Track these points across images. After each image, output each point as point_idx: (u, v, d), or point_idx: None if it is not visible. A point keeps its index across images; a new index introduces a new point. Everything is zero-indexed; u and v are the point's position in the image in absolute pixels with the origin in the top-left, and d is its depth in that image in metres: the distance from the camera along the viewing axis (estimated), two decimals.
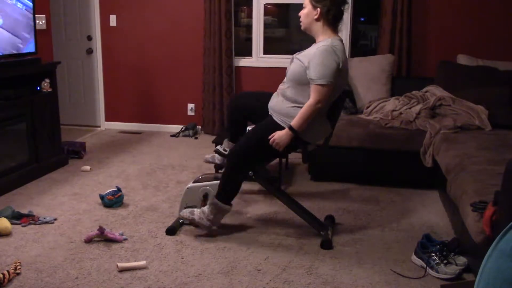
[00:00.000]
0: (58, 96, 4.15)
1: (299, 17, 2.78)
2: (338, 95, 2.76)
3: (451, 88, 4.08)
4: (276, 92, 2.85)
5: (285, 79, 2.81)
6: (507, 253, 0.83)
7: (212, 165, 4.16)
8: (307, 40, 2.99)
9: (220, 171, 3.07)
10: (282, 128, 2.69)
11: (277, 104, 2.77)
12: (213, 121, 5.36)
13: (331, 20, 2.70)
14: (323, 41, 2.68)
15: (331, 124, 2.86)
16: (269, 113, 2.82)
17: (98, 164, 4.30)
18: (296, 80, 2.69)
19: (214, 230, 2.86)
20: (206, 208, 2.80)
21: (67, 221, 3.06)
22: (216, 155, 3.08)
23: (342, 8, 2.71)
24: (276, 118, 2.75)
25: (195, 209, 2.84)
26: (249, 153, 2.75)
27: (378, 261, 2.60)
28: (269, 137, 2.68)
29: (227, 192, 2.78)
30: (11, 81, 3.74)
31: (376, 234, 2.95)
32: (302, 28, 2.80)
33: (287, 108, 2.71)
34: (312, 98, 2.62)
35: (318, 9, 2.68)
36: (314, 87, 2.61)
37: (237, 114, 3.04)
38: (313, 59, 2.62)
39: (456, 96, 3.96)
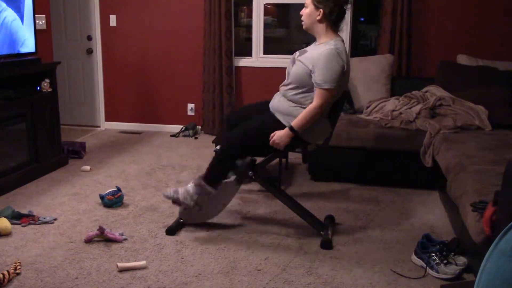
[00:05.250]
0: (58, 96, 4.15)
1: (300, 16, 2.77)
2: (339, 96, 2.76)
3: (451, 88, 4.08)
4: (278, 92, 2.85)
5: (286, 80, 2.80)
6: (507, 253, 0.83)
7: None
8: (307, 41, 2.99)
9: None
10: (282, 126, 2.69)
11: (279, 103, 2.77)
12: (213, 121, 5.36)
13: (334, 21, 2.69)
14: (326, 43, 2.67)
15: (331, 124, 2.85)
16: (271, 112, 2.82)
17: (98, 164, 4.30)
18: (299, 82, 2.68)
19: (196, 210, 2.87)
20: (190, 187, 2.79)
21: (67, 221, 3.06)
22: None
23: (344, 8, 2.70)
24: (278, 116, 2.75)
25: (179, 188, 2.82)
26: (245, 144, 2.74)
27: (378, 261, 2.60)
28: (270, 138, 2.68)
29: (214, 175, 2.78)
30: (11, 81, 3.74)
31: (376, 234, 2.95)
32: (303, 27, 2.78)
33: (289, 107, 2.71)
34: (315, 101, 2.61)
35: (321, 10, 2.66)
36: (318, 91, 2.61)
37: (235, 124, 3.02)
38: (317, 63, 2.60)
39: (456, 96, 3.96)
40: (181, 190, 2.80)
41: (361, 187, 3.79)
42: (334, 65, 2.58)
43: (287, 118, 2.70)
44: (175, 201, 2.83)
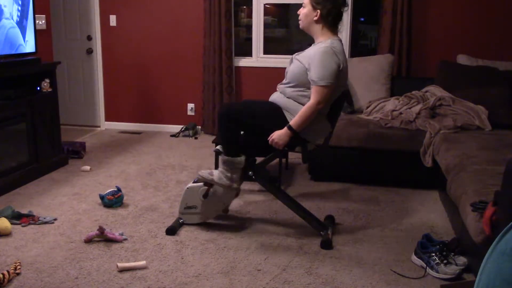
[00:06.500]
0: (58, 96, 4.15)
1: (298, 15, 2.79)
2: (338, 95, 2.77)
3: (451, 88, 4.08)
4: (275, 92, 2.86)
5: (285, 80, 2.81)
6: (507, 253, 0.82)
7: (213, 165, 4.17)
8: (307, 40, 3.00)
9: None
10: (283, 119, 2.69)
11: (278, 98, 2.79)
12: (213, 121, 5.36)
13: (331, 22, 2.70)
14: (323, 42, 2.69)
15: (331, 124, 2.86)
16: None
17: (98, 164, 4.30)
18: (296, 81, 2.69)
19: (236, 189, 2.87)
20: (221, 168, 2.80)
21: (67, 221, 3.06)
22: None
23: (342, 10, 2.71)
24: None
25: (214, 170, 2.85)
26: (242, 116, 2.75)
27: (378, 261, 2.60)
28: (269, 138, 2.69)
29: (231, 145, 2.78)
30: (11, 81, 3.74)
31: (376, 234, 2.95)
32: (300, 26, 2.80)
33: (289, 101, 2.72)
34: (312, 99, 2.62)
35: (318, 11, 2.67)
36: (314, 88, 2.62)
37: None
38: (313, 61, 2.62)
39: (456, 96, 3.96)
40: (215, 172, 2.83)
41: (361, 187, 3.79)
42: (329, 62, 2.60)
43: (285, 113, 2.71)
44: (212, 183, 2.85)
